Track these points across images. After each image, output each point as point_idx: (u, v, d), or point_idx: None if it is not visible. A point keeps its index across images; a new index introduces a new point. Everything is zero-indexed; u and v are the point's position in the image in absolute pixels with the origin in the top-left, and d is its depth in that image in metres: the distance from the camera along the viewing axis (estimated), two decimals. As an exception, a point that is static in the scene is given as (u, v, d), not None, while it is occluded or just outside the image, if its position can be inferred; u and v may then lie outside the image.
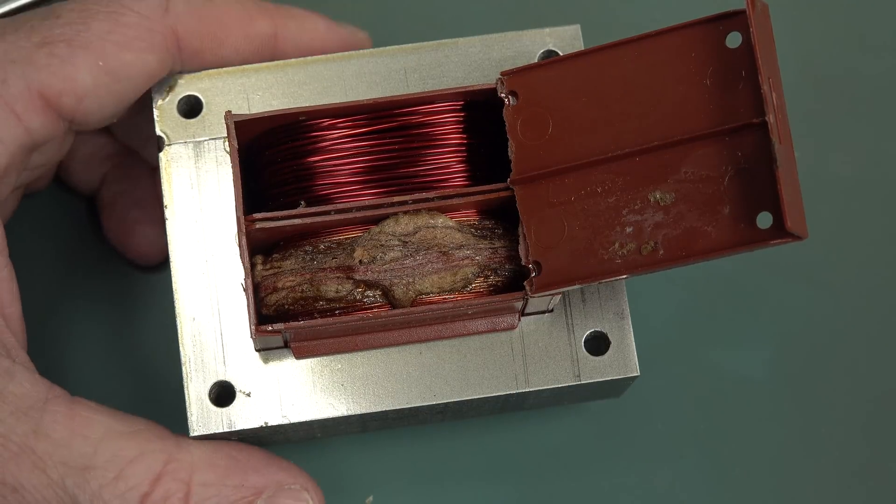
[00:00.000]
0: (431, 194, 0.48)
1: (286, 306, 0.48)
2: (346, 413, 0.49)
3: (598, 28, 0.55)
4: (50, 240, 0.59)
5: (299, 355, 0.50)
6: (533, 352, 0.50)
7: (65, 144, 0.53)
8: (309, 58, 0.52)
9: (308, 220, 0.48)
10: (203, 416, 0.49)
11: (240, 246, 0.47)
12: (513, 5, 0.63)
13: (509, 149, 0.48)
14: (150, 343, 0.58)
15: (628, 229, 0.45)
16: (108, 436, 0.48)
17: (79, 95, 0.50)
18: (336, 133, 0.49)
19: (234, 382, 0.49)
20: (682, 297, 0.60)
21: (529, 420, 0.58)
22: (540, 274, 0.47)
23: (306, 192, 0.49)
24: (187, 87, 0.51)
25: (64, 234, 0.59)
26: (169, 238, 0.50)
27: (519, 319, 0.50)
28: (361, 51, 0.52)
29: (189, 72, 0.52)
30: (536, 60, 0.52)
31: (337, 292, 0.48)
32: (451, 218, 0.49)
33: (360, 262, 0.48)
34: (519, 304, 0.49)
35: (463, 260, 0.48)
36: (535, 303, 0.49)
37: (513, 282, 0.49)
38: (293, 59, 0.52)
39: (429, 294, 0.48)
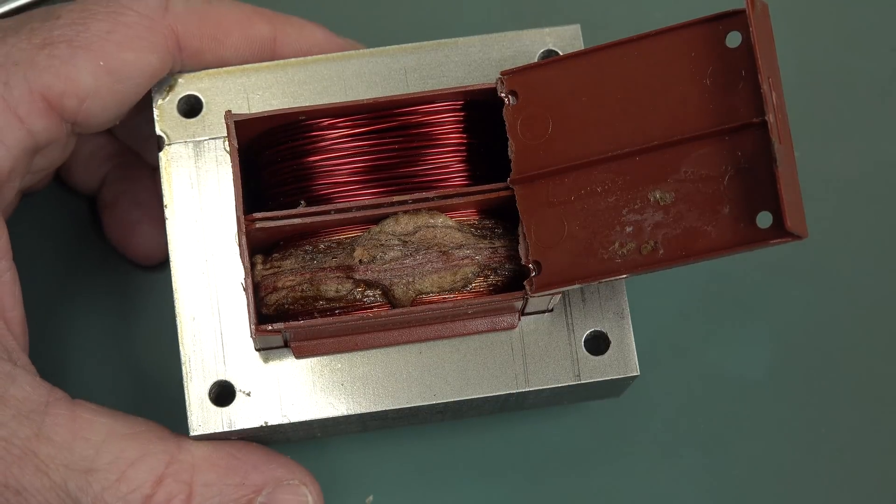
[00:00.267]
0: (431, 194, 0.48)
1: (286, 306, 0.48)
2: (346, 413, 0.49)
3: (598, 28, 0.55)
4: (50, 240, 0.59)
5: (299, 355, 0.50)
6: (533, 351, 0.50)
7: (67, 147, 0.53)
8: (309, 58, 0.52)
9: (308, 220, 0.48)
10: (203, 416, 0.49)
11: (240, 245, 0.47)
12: (513, 5, 0.63)
13: (509, 149, 0.48)
14: (150, 343, 0.58)
15: (628, 229, 0.45)
16: (110, 438, 0.48)
17: (81, 96, 0.50)
18: (336, 133, 0.49)
19: (234, 382, 0.49)
20: (682, 297, 0.60)
21: (529, 420, 0.58)
22: (540, 273, 0.47)
23: (306, 191, 0.49)
24: (187, 86, 0.51)
25: (64, 234, 0.59)
26: (169, 238, 0.50)
27: (519, 319, 0.50)
28: (361, 51, 0.52)
29: (189, 71, 0.52)
30: (536, 60, 0.52)
31: (337, 292, 0.48)
32: (451, 217, 0.49)
33: (360, 261, 0.48)
34: (519, 304, 0.49)
35: (463, 259, 0.48)
36: (535, 302, 0.49)
37: (513, 281, 0.49)
38: (293, 59, 0.52)
39: (429, 294, 0.48)
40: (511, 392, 0.50)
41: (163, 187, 0.51)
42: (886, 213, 0.61)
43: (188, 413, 0.49)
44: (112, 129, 0.57)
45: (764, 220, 0.43)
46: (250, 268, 0.47)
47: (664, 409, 0.59)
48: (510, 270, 0.49)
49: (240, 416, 0.49)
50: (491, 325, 0.50)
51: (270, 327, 0.47)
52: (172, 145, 0.51)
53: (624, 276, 0.45)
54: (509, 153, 0.48)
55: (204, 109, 0.51)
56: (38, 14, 0.51)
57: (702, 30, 0.45)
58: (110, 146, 0.58)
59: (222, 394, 0.49)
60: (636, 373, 0.50)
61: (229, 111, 0.48)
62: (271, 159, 0.50)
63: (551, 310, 0.50)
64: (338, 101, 0.50)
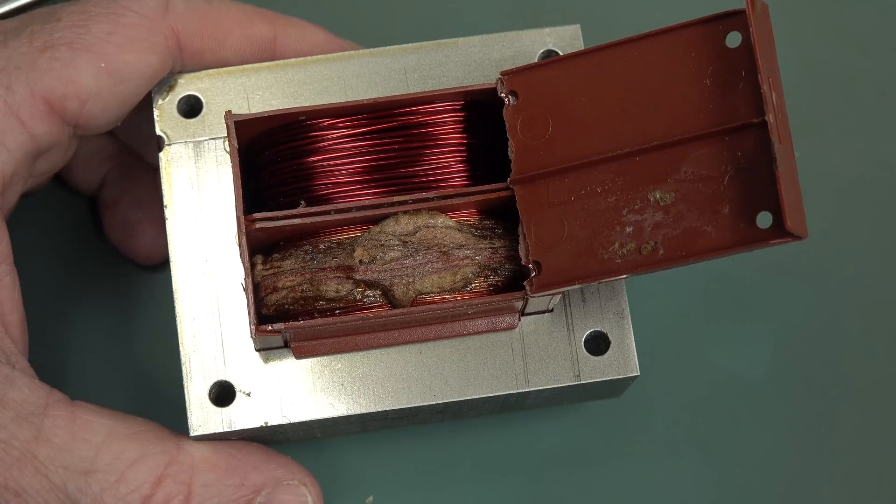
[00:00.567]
0: (431, 194, 0.48)
1: (286, 306, 0.48)
2: (346, 413, 0.49)
3: (598, 28, 0.55)
4: (50, 240, 0.59)
5: (299, 355, 0.50)
6: (533, 352, 0.50)
7: (69, 150, 0.53)
8: (309, 58, 0.52)
9: (308, 220, 0.48)
10: (203, 416, 0.49)
11: (240, 246, 0.47)
12: (513, 5, 0.63)
13: (509, 149, 0.48)
14: (150, 343, 0.58)
15: (628, 229, 0.45)
16: (109, 439, 0.48)
17: (82, 98, 0.50)
18: (336, 133, 0.49)
19: (234, 382, 0.49)
20: (682, 297, 0.60)
21: (529, 420, 0.58)
22: (540, 274, 0.47)
23: (306, 191, 0.49)
24: (187, 86, 0.51)
25: (64, 234, 0.59)
26: (169, 238, 0.50)
27: (519, 319, 0.50)
28: (361, 51, 0.52)
29: (189, 72, 0.52)
30: (536, 60, 0.52)
31: (337, 292, 0.48)
32: (451, 218, 0.49)
33: (360, 261, 0.48)
34: (519, 304, 0.49)
35: (463, 260, 0.48)
36: (535, 303, 0.49)
37: (513, 282, 0.49)
38: (293, 60, 0.52)
39: (429, 294, 0.48)
40: (511, 392, 0.50)
41: (163, 187, 0.51)
42: (886, 213, 0.61)
43: (188, 413, 0.49)
44: (112, 130, 0.57)
45: (764, 220, 0.43)
46: (250, 268, 0.47)
47: (664, 409, 0.59)
48: (510, 271, 0.49)
49: (240, 416, 0.49)
50: (491, 326, 0.50)
51: (270, 327, 0.47)
52: (172, 145, 0.51)
53: (624, 276, 0.45)
54: (509, 153, 0.48)
55: (204, 109, 0.51)
56: (39, 16, 0.51)
57: (702, 30, 0.45)
58: (110, 146, 0.58)
59: (222, 394, 0.49)
60: (636, 373, 0.50)
61: (229, 111, 0.48)
62: (271, 159, 0.50)
63: (551, 310, 0.50)
64: (338, 102, 0.50)
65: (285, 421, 0.49)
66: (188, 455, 0.49)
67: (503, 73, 0.48)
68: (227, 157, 0.50)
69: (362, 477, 0.57)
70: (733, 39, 0.44)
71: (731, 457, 0.58)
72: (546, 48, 0.52)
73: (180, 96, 0.51)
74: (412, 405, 0.50)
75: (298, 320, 0.48)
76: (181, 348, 0.50)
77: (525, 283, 0.47)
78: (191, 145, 0.51)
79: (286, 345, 0.50)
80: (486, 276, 0.49)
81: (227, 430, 0.49)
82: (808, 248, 0.54)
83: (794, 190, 0.43)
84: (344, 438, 0.58)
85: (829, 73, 0.63)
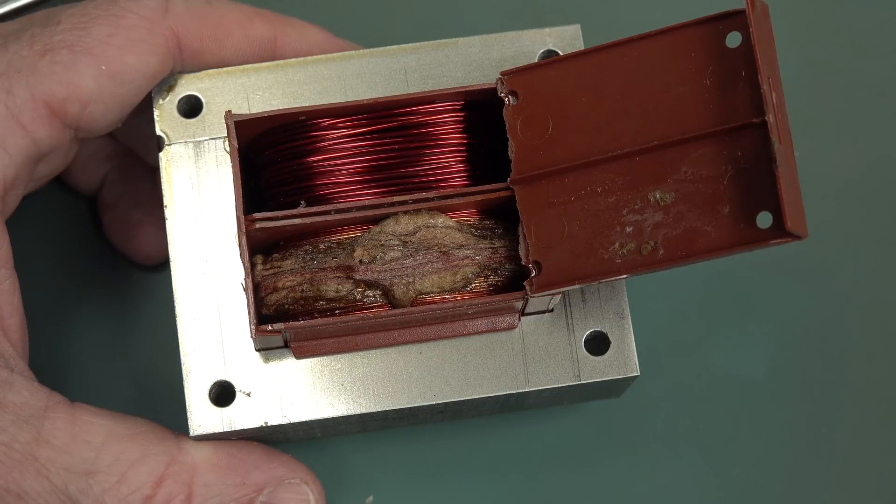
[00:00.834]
0: (431, 194, 0.48)
1: (286, 306, 0.48)
2: (346, 413, 0.49)
3: (598, 28, 0.55)
4: (50, 240, 0.59)
5: (299, 355, 0.50)
6: (533, 352, 0.50)
7: (69, 153, 0.53)
8: (309, 58, 0.52)
9: (308, 220, 0.48)
10: (203, 416, 0.49)
11: (240, 246, 0.47)
12: (513, 5, 0.63)
13: (509, 149, 0.48)
14: (150, 343, 0.58)
15: (628, 229, 0.45)
16: (110, 439, 0.48)
17: (83, 101, 0.50)
18: (336, 133, 0.49)
19: (234, 382, 0.49)
20: (682, 297, 0.60)
21: (529, 420, 0.58)
22: (540, 274, 0.47)
23: (306, 192, 0.49)
24: (187, 86, 0.51)
25: (64, 234, 0.59)
26: (169, 238, 0.50)
27: (519, 319, 0.50)
28: (361, 51, 0.52)
29: (189, 72, 0.52)
30: (536, 60, 0.52)
31: (337, 292, 0.48)
32: (451, 218, 0.49)
33: (360, 261, 0.48)
34: (519, 304, 0.49)
35: (463, 260, 0.48)
36: (535, 303, 0.49)
37: (513, 282, 0.49)
38: (293, 60, 0.52)
39: (429, 294, 0.48)
40: (511, 392, 0.50)
41: (163, 187, 0.51)
42: (886, 213, 0.61)
43: (188, 413, 0.49)
44: (112, 130, 0.57)
45: (764, 220, 0.43)
46: (250, 268, 0.47)
47: (664, 409, 0.59)
48: (510, 270, 0.49)
49: (240, 416, 0.49)
50: (491, 326, 0.50)
51: (270, 327, 0.47)
52: (172, 145, 0.51)
53: (624, 276, 0.45)
54: (509, 153, 0.48)
55: (204, 109, 0.51)
56: (39, 19, 0.51)
57: (702, 30, 0.45)
58: (110, 147, 0.58)
59: (222, 394, 0.49)
60: (636, 373, 0.50)
61: (229, 111, 0.48)
62: (271, 159, 0.50)
63: (551, 310, 0.50)
64: (338, 102, 0.50)
65: (285, 421, 0.49)
66: (189, 455, 0.49)
67: (503, 73, 0.48)
68: (227, 157, 0.50)
69: (362, 477, 0.57)
70: (733, 39, 0.44)
71: (731, 457, 0.58)
72: (546, 48, 0.52)
73: (180, 96, 0.51)
74: (412, 405, 0.50)
75: (298, 320, 0.48)
76: (181, 348, 0.50)
77: (525, 283, 0.47)
78: (191, 145, 0.51)
79: (286, 345, 0.50)
80: (486, 276, 0.49)
81: (227, 430, 0.49)
82: (808, 248, 0.54)
83: (794, 190, 0.43)
84: (344, 438, 0.58)
85: (829, 73, 0.63)
